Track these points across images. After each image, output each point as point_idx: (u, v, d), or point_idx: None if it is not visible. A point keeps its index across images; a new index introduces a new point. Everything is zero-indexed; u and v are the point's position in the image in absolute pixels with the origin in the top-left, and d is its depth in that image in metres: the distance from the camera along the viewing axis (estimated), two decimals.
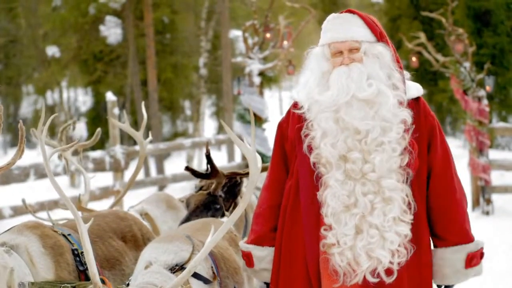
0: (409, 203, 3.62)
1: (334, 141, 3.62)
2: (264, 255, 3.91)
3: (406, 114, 3.63)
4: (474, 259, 3.73)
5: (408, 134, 3.62)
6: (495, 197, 12.65)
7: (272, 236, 3.89)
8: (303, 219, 3.72)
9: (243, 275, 4.36)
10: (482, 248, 3.79)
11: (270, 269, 3.91)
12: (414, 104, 3.72)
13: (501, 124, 15.06)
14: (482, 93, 12.41)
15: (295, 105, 3.85)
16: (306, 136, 3.72)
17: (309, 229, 3.69)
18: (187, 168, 5.32)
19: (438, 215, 3.72)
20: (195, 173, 5.33)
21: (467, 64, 12.59)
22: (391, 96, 3.59)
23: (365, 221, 3.59)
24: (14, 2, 24.65)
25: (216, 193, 5.28)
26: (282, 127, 3.91)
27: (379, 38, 3.72)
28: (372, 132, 3.58)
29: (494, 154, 14.66)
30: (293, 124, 3.81)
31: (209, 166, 5.24)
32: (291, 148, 3.83)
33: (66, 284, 3.90)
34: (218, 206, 5.25)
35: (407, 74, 3.81)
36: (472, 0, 19.49)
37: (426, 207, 3.73)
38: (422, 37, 13.47)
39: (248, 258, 3.97)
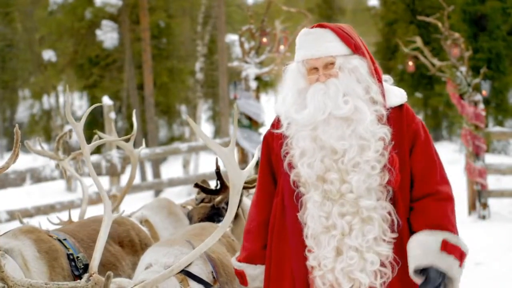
0: (392, 221, 3.52)
1: (311, 161, 3.54)
2: (256, 273, 3.84)
3: (385, 131, 3.52)
4: (449, 246, 3.48)
5: (387, 151, 3.51)
6: (491, 201, 12.66)
7: (263, 254, 3.80)
8: (290, 239, 3.65)
9: None
10: (463, 250, 3.53)
11: None
12: (397, 112, 3.61)
13: (497, 129, 15.10)
14: (478, 97, 12.43)
15: (278, 120, 3.74)
16: (286, 154, 3.64)
17: (295, 249, 3.62)
18: (197, 185, 5.30)
19: (419, 211, 3.56)
20: (205, 190, 5.31)
21: (463, 69, 12.61)
22: (368, 113, 3.50)
23: (344, 243, 3.51)
24: (11, 6, 24.66)
25: (219, 206, 5.27)
26: (267, 140, 3.81)
27: (354, 50, 3.60)
28: (349, 151, 3.49)
29: (490, 159, 14.68)
30: (277, 139, 3.72)
31: (219, 182, 5.24)
32: (277, 162, 3.73)
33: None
34: (221, 218, 5.24)
35: (390, 79, 3.71)
36: (468, 4, 19.53)
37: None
38: (418, 41, 13.48)
39: (241, 277, 3.90)
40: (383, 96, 3.59)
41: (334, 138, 3.51)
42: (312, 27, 3.67)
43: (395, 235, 3.52)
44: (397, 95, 3.65)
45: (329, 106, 3.50)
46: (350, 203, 3.51)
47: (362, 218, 3.50)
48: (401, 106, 3.63)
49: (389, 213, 3.52)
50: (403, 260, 3.52)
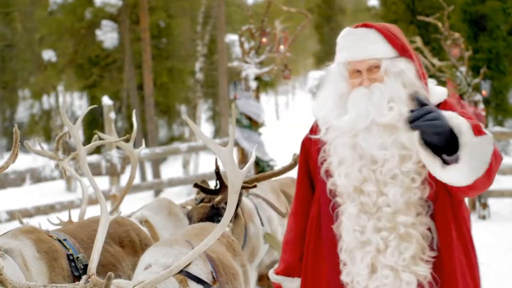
0: (432, 239, 3.29)
1: (348, 171, 3.32)
2: (294, 287, 3.68)
3: None
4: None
5: None
6: (491, 201, 12.66)
7: (301, 266, 3.63)
8: (325, 251, 3.47)
9: (240, 281, 4.36)
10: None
11: None
12: None
13: (497, 129, 15.08)
14: (478, 97, 12.44)
15: (317, 125, 3.52)
16: (324, 160, 3.43)
17: (331, 262, 3.45)
18: (196, 185, 5.31)
19: None
20: (205, 190, 5.32)
21: (463, 69, 12.62)
22: None
23: (378, 260, 3.29)
24: (11, 6, 24.66)
25: (219, 206, 5.27)
26: (305, 145, 3.61)
27: (401, 52, 3.36)
28: (389, 161, 3.25)
29: None
30: (315, 144, 3.51)
31: (218, 182, 5.25)
32: (314, 168, 3.54)
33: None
34: (221, 218, 5.25)
35: (433, 81, 3.44)
36: (468, 4, 19.52)
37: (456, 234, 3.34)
38: (419, 41, 13.48)
39: None
40: (429, 102, 3.30)
41: (375, 147, 3.28)
42: (356, 27, 3.43)
43: (434, 253, 3.30)
44: (437, 95, 3.40)
45: (372, 112, 3.28)
46: (387, 218, 3.28)
47: (399, 234, 3.27)
48: (438, 105, 3.36)
49: (429, 230, 3.29)
50: (442, 280, 3.30)
